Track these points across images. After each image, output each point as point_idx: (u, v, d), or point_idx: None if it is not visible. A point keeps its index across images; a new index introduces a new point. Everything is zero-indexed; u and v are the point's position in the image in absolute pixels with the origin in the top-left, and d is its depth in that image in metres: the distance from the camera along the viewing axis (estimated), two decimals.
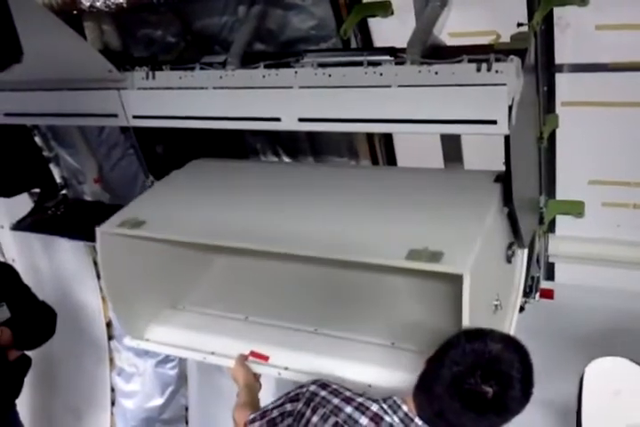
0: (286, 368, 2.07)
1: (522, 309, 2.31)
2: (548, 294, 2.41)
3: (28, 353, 3.18)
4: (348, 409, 1.51)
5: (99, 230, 2.16)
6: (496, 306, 1.87)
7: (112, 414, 4.32)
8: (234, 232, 2.01)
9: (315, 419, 1.53)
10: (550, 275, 2.47)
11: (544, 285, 2.41)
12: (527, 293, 2.26)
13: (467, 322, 1.60)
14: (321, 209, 2.08)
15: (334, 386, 1.61)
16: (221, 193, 2.31)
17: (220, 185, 2.41)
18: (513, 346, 1.43)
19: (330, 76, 1.85)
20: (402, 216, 1.94)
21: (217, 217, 2.13)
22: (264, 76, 1.96)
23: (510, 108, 1.62)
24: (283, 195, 2.22)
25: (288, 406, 1.63)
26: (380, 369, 1.95)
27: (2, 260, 4.01)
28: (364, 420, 1.48)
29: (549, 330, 2.44)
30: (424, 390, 1.46)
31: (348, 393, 1.57)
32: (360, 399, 1.54)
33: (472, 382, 1.35)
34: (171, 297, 2.47)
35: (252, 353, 2.10)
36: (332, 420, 1.51)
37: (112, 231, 2.16)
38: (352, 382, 1.76)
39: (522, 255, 2.19)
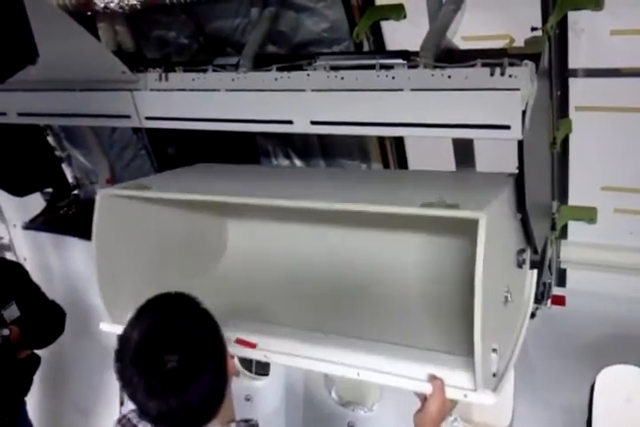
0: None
1: (533, 315, 2.29)
2: (559, 301, 2.39)
3: (38, 352, 3.19)
4: None
5: (100, 192, 2.09)
6: (506, 298, 1.84)
7: (120, 414, 4.32)
8: (246, 191, 2.05)
9: None
10: (562, 281, 2.45)
11: (555, 291, 2.39)
12: (538, 299, 2.24)
13: (480, 275, 1.57)
14: (334, 183, 2.18)
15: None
16: (229, 178, 2.37)
17: (227, 174, 2.46)
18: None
19: (342, 79, 1.85)
20: (415, 187, 2.04)
21: (227, 185, 2.17)
22: (276, 79, 1.96)
23: (524, 113, 1.61)
24: (293, 178, 2.31)
25: None
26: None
27: (12, 259, 4.03)
28: None
29: (560, 337, 2.42)
30: None
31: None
32: None
33: None
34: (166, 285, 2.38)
35: (238, 340, 2.07)
36: None
37: (115, 193, 2.09)
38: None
39: (532, 273, 2.17)
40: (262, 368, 3.80)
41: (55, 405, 4.36)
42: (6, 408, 3.07)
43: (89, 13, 2.41)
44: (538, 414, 2.55)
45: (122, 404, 4.30)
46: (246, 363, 3.77)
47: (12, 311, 2.99)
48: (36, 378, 3.27)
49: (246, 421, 1.62)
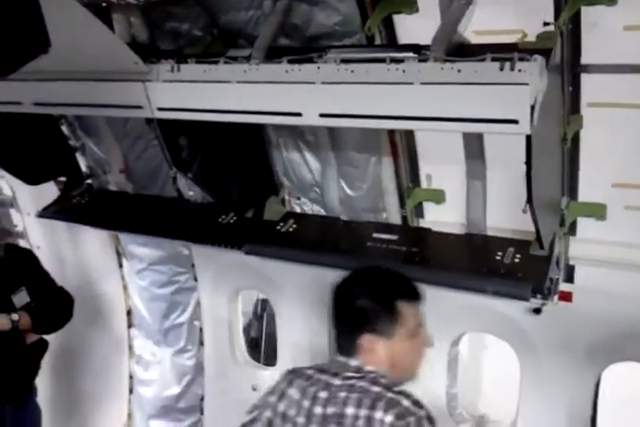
0: None
1: (539, 311, 2.29)
2: (566, 297, 2.39)
3: (46, 337, 3.24)
4: None
5: None
6: None
7: (129, 401, 4.38)
8: None
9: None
10: (570, 278, 2.44)
11: (563, 287, 2.39)
12: (546, 295, 2.24)
13: None
14: None
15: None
16: None
17: None
18: None
19: (352, 72, 1.86)
20: None
21: None
22: (287, 71, 1.97)
23: (533, 107, 1.61)
24: None
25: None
26: None
27: (25, 246, 4.08)
28: None
29: (567, 333, 2.41)
30: None
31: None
32: None
33: None
34: None
35: None
36: None
37: None
38: None
39: None
40: (269, 358, 3.81)
41: (65, 392, 4.42)
42: (16, 392, 3.13)
43: (104, 4, 2.43)
44: (542, 409, 2.55)
45: (131, 391, 4.35)
46: (254, 353, 3.78)
47: (22, 297, 3.04)
48: (47, 365, 3.31)
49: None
